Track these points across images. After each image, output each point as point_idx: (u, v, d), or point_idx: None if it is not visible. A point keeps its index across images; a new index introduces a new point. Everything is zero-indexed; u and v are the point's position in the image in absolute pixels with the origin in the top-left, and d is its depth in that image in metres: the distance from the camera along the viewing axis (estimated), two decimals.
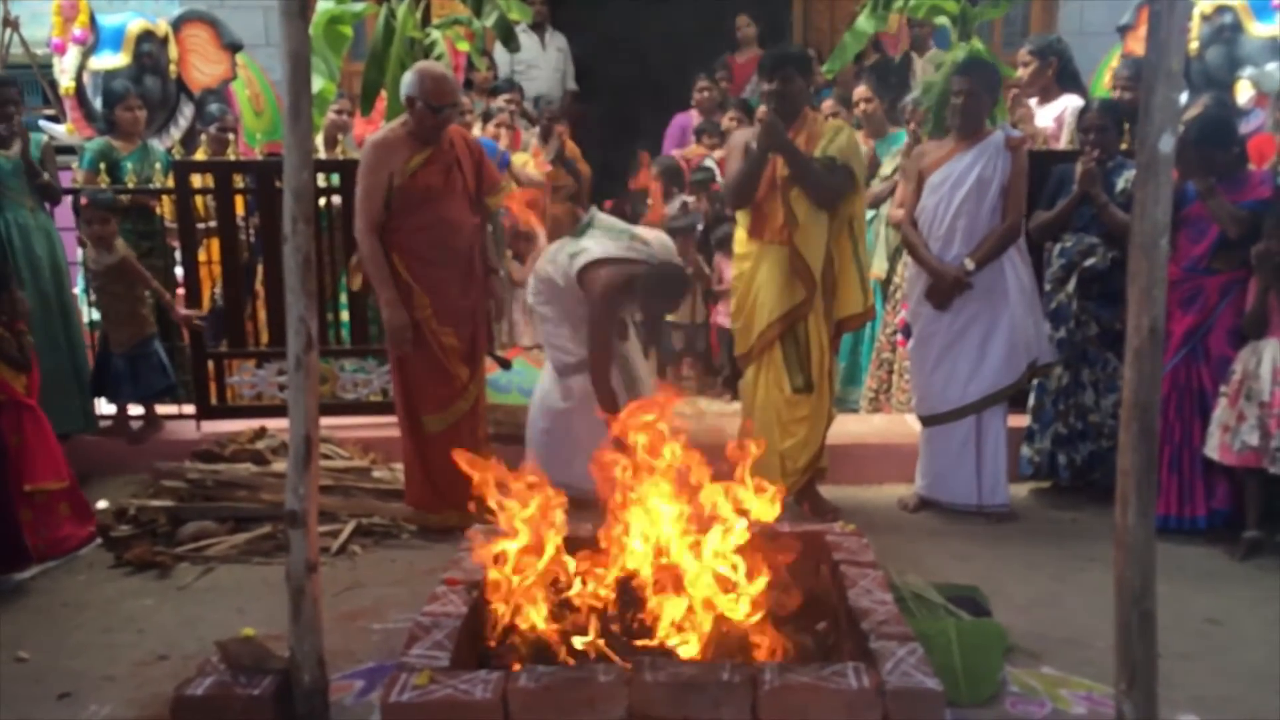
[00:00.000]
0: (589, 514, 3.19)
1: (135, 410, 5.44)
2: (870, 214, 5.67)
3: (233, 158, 5.78)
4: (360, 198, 4.20)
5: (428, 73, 4.23)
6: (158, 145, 6.43)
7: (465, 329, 4.38)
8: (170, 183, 5.48)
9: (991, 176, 4.44)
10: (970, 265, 4.44)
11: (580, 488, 3.28)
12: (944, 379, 4.58)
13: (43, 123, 6.88)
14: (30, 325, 5.02)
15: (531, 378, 4.91)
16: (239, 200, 5.63)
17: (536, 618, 2.93)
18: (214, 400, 5.43)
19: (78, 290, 5.62)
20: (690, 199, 6.41)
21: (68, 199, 5.50)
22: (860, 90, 6.16)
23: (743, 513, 3.06)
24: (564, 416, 4.53)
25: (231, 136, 6.34)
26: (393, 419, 4.57)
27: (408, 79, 4.23)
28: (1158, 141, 2.22)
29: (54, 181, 5.23)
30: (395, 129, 4.28)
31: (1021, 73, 5.82)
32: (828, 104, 6.10)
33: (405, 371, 4.37)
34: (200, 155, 6.20)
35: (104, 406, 5.47)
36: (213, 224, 5.55)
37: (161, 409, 5.48)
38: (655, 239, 4.56)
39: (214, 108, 6.75)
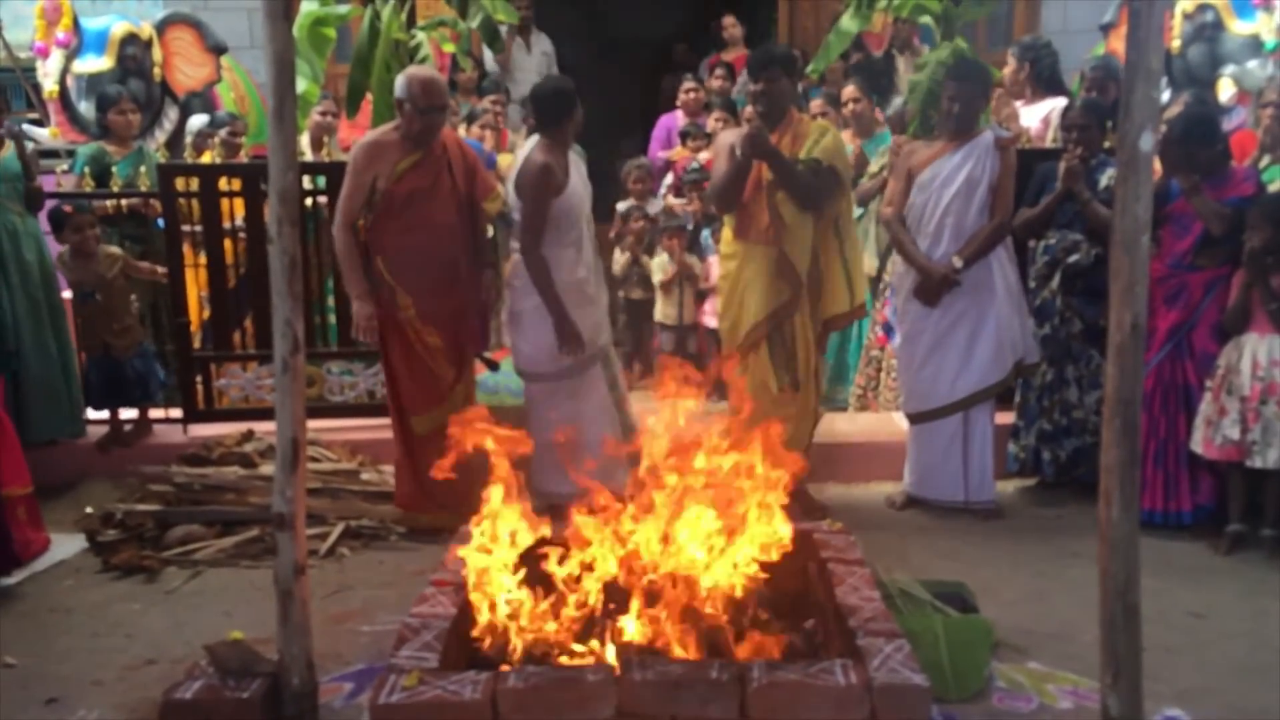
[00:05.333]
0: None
1: (124, 414, 5.40)
2: (859, 211, 5.68)
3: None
4: (343, 195, 4.29)
5: (415, 76, 4.32)
6: (151, 149, 6.39)
7: (450, 329, 4.39)
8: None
9: (980, 176, 4.46)
10: (958, 263, 4.46)
11: (555, 493, 3.27)
12: (931, 376, 4.60)
13: (25, 126, 6.85)
14: (20, 331, 5.01)
15: (520, 380, 4.90)
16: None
17: (524, 618, 2.94)
18: (201, 404, 5.41)
19: (67, 294, 5.57)
20: (679, 200, 6.41)
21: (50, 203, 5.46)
22: (848, 90, 6.16)
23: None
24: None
25: (242, 141, 6.31)
26: (380, 421, 4.58)
27: (398, 82, 4.31)
28: (1138, 139, 2.24)
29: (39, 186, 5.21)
30: (388, 131, 4.35)
31: (1006, 74, 5.85)
32: (816, 104, 6.11)
33: (393, 371, 4.40)
34: (207, 159, 6.13)
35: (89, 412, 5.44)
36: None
37: (141, 413, 5.44)
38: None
39: (221, 114, 6.73)
